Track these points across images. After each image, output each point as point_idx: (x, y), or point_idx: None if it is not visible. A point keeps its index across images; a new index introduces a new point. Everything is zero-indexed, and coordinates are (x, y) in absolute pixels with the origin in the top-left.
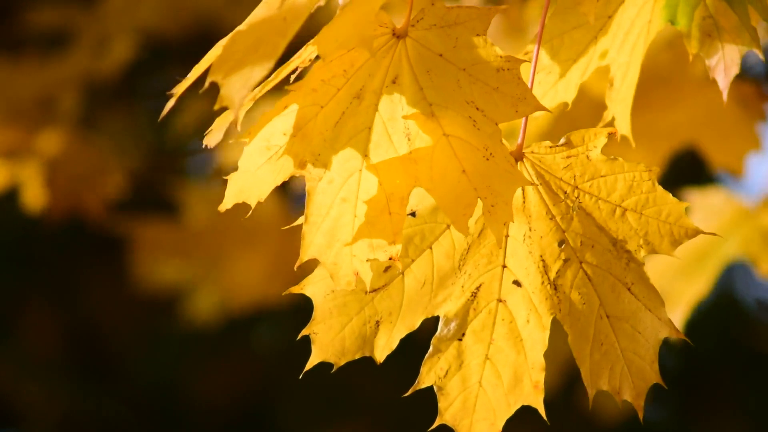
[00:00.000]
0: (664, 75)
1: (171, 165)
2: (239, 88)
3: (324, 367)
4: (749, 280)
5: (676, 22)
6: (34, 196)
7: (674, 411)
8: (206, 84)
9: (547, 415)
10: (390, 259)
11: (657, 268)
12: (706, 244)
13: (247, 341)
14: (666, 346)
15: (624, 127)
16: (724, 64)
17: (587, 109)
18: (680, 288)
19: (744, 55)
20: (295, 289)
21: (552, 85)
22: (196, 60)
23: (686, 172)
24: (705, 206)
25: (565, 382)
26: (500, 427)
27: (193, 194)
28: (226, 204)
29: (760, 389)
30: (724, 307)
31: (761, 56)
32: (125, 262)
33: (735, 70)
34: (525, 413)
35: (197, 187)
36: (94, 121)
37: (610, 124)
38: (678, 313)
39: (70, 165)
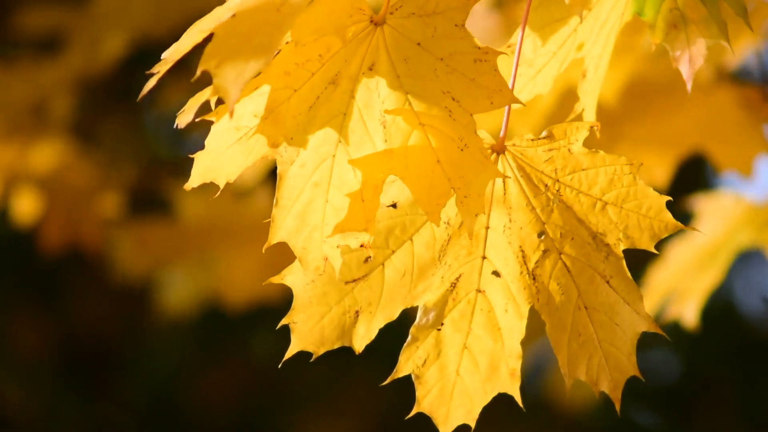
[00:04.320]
0: (667, 81)
1: (167, 170)
2: (234, 79)
3: (321, 370)
4: (750, 286)
5: (643, 14)
6: (29, 214)
7: (673, 416)
8: (198, 73)
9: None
10: (361, 246)
11: (670, 266)
12: (717, 241)
13: (244, 346)
14: (666, 351)
15: (590, 118)
16: (690, 54)
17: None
18: (694, 281)
19: (710, 46)
20: (275, 279)
21: (531, 78)
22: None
23: (690, 179)
24: (714, 209)
25: None
26: (476, 415)
27: (186, 193)
28: (192, 183)
29: (760, 395)
30: (724, 311)
31: (730, 48)
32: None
33: (700, 61)
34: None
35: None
36: (90, 130)
37: (581, 116)
38: (692, 304)
39: (67, 182)
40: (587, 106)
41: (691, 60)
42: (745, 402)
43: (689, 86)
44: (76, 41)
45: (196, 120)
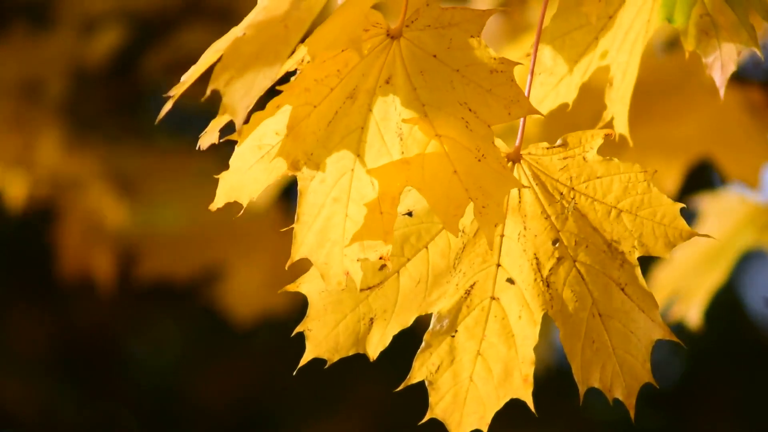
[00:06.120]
0: (675, 83)
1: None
2: (241, 97)
3: (323, 368)
4: (752, 282)
5: (673, 20)
6: (21, 196)
7: (672, 414)
8: (207, 92)
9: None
10: (380, 258)
11: (674, 266)
12: (721, 242)
13: (247, 343)
14: (667, 349)
15: (622, 126)
16: (721, 61)
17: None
18: (698, 282)
19: (741, 52)
20: (291, 287)
21: (553, 87)
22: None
23: (698, 177)
24: (718, 209)
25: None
26: (489, 420)
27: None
28: (218, 203)
29: (759, 392)
30: (725, 311)
31: (760, 54)
32: None
33: (732, 67)
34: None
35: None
36: (87, 115)
37: (609, 123)
38: (696, 304)
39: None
40: (617, 115)
41: (723, 67)
42: (744, 404)
43: (722, 93)
44: (69, 22)
45: (219, 141)
